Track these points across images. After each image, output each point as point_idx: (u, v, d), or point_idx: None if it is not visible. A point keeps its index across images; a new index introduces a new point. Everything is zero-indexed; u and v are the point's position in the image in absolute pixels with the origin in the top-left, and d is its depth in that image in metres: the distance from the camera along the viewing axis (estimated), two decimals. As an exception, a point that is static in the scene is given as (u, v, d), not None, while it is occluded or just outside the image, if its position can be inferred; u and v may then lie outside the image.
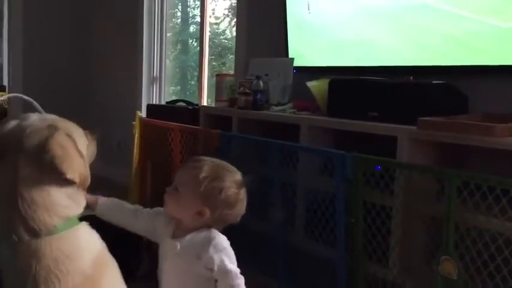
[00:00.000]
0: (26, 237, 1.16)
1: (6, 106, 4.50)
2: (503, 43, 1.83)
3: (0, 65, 5.52)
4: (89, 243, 1.23)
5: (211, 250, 1.32)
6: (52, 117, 1.28)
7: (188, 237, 1.35)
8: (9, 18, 4.81)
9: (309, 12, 2.56)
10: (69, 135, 1.21)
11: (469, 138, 1.55)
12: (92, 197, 1.41)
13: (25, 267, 1.15)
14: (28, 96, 3.46)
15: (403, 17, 2.16)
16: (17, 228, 1.16)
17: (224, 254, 1.33)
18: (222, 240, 1.35)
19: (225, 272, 1.31)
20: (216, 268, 1.31)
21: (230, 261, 1.33)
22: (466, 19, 1.93)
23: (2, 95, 4.37)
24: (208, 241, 1.33)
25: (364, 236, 1.73)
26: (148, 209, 1.48)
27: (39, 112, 3.39)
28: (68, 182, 1.19)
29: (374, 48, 2.29)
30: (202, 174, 1.35)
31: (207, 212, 1.34)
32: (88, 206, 1.41)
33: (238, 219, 1.41)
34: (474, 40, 1.92)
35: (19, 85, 4.54)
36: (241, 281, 1.32)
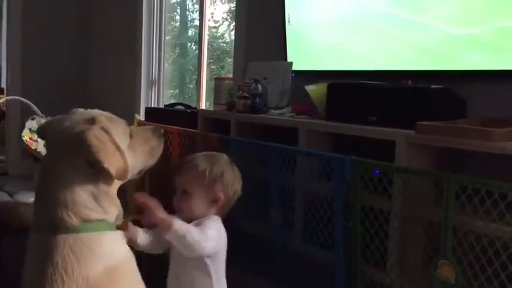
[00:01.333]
0: (45, 230, 1.17)
1: (4, 109, 4.49)
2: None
3: (-1, 67, 5.52)
4: (108, 251, 1.20)
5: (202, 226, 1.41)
6: (95, 112, 1.28)
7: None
8: (8, 21, 4.81)
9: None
10: (105, 129, 1.20)
11: (467, 143, 1.55)
12: (133, 232, 1.42)
13: (38, 260, 1.17)
14: (26, 98, 3.47)
15: (401, 20, 2.17)
16: (41, 218, 1.19)
17: (203, 226, 1.41)
18: (209, 223, 1.43)
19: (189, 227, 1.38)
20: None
21: (202, 231, 1.39)
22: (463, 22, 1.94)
23: (0, 98, 4.37)
24: (201, 224, 1.43)
25: (362, 240, 1.73)
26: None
27: (38, 115, 3.40)
28: (103, 175, 1.18)
29: (371, 53, 2.29)
30: (201, 167, 1.48)
31: (221, 195, 1.47)
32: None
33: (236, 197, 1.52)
34: (469, 45, 1.93)
35: (18, 88, 4.54)
36: (206, 243, 1.37)
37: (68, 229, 1.17)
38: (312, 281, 1.93)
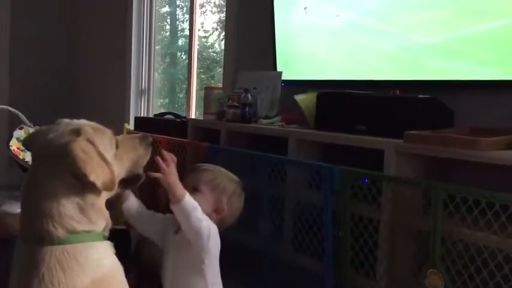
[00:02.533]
0: (31, 241, 1.16)
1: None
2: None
3: (-13, 76, 5.46)
4: (95, 262, 1.19)
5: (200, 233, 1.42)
6: (81, 122, 1.26)
7: None
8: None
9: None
10: (90, 141, 1.18)
11: (454, 152, 1.56)
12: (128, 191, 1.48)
13: (24, 271, 1.15)
14: (15, 108, 3.43)
15: (389, 31, 2.19)
16: (25, 231, 1.18)
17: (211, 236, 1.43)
18: (208, 227, 1.43)
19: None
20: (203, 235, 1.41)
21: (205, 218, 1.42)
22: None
23: (-13, 107, 4.32)
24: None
25: (352, 249, 1.73)
26: (160, 214, 1.59)
27: (26, 124, 3.36)
28: (89, 187, 1.16)
29: (361, 62, 2.31)
30: (220, 177, 1.54)
31: (225, 208, 1.50)
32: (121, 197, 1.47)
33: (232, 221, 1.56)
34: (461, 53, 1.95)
35: (5, 97, 4.50)
36: (206, 226, 1.40)
37: (54, 241, 1.15)
38: (301, 290, 1.93)
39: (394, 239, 1.67)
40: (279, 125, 2.33)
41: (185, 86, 3.92)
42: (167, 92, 4.39)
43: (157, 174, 1.40)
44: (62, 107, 4.58)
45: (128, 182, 1.37)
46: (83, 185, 1.16)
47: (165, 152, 1.42)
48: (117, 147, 1.28)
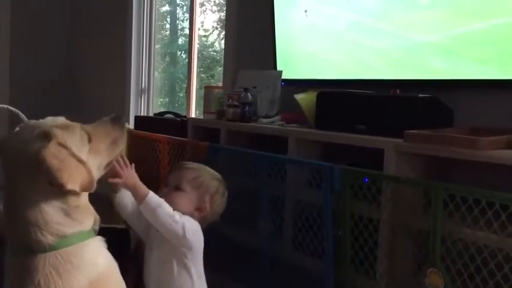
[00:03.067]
0: (22, 254, 1.14)
1: (-8, 117, 4.44)
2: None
3: (-13, 75, 5.47)
4: (90, 262, 1.17)
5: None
6: (47, 123, 1.21)
7: None
8: (-4, 29, 4.78)
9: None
10: (62, 144, 1.14)
11: (454, 151, 1.56)
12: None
13: (19, 283, 1.13)
14: (15, 107, 3.44)
15: (389, 30, 2.19)
16: (14, 244, 1.15)
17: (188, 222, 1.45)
18: (186, 220, 1.45)
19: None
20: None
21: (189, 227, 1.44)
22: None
23: (-13, 106, 4.32)
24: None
25: (352, 248, 1.73)
26: None
27: (25, 123, 3.36)
28: (68, 193, 1.14)
29: (361, 62, 2.31)
30: (203, 176, 1.54)
31: (207, 207, 1.51)
32: (112, 186, 1.47)
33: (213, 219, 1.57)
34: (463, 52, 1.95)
35: (6, 96, 4.50)
36: (179, 219, 1.42)
37: (45, 249, 1.13)
38: (301, 290, 1.93)
39: (394, 239, 1.67)
40: (279, 124, 2.33)
41: (185, 85, 3.92)
42: (167, 91, 4.39)
43: (116, 180, 1.40)
44: (62, 106, 4.58)
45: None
46: (61, 191, 1.13)
47: (121, 158, 1.39)
48: (90, 140, 1.23)
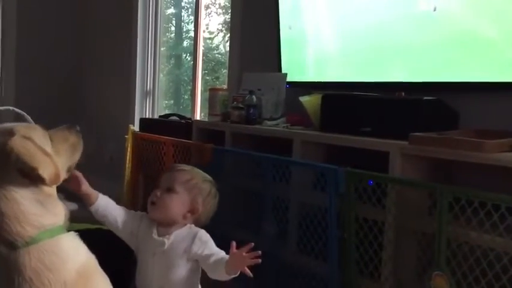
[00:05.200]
0: (4, 250, 1.14)
1: (-3, 119, 4.47)
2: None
3: (-7, 77, 5.50)
4: (72, 254, 1.20)
5: (197, 243, 1.46)
6: (10, 124, 1.24)
7: (174, 234, 1.48)
8: (2, 32, 4.81)
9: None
10: (27, 137, 1.18)
11: (459, 154, 1.56)
12: (93, 190, 1.50)
13: (9, 281, 1.13)
14: (20, 109, 3.45)
15: (394, 31, 2.19)
16: None
17: (209, 244, 1.47)
18: (205, 233, 1.49)
19: (216, 252, 1.45)
20: (204, 255, 1.44)
21: (215, 248, 1.47)
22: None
23: (-6, 108, 4.35)
24: (194, 235, 1.47)
25: (357, 251, 1.73)
26: (133, 211, 1.59)
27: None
28: (37, 182, 1.16)
29: (366, 64, 2.31)
30: (196, 178, 1.53)
31: (200, 209, 1.50)
32: (85, 199, 1.49)
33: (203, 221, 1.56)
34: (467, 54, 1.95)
35: (11, 98, 4.53)
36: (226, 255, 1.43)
37: (27, 242, 1.14)
38: (306, 292, 1.92)
39: (398, 241, 1.67)
40: (284, 127, 2.33)
41: (190, 88, 3.93)
42: (172, 93, 4.40)
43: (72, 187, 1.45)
44: (67, 108, 4.60)
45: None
46: (31, 181, 1.16)
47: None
48: (51, 140, 1.28)
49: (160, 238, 1.48)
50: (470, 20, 1.92)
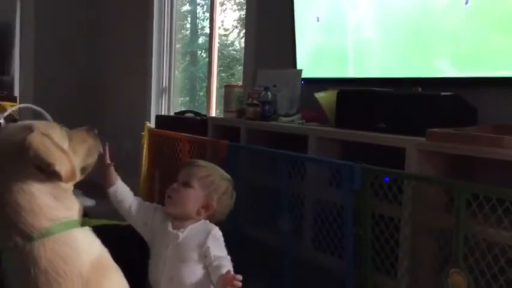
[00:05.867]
0: (20, 241, 1.17)
1: (17, 117, 4.54)
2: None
3: (12, 76, 5.59)
4: (86, 246, 1.22)
5: (210, 239, 1.46)
6: (30, 121, 1.28)
7: (188, 228, 1.49)
8: (20, 29, 4.88)
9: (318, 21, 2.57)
10: (45, 134, 1.21)
11: (478, 150, 1.54)
12: (115, 173, 1.56)
13: (24, 272, 1.16)
14: (38, 106, 3.50)
15: (411, 28, 2.16)
16: (11, 233, 1.18)
17: (219, 243, 1.48)
18: (218, 231, 1.50)
19: (220, 257, 1.45)
20: (212, 256, 1.44)
21: (223, 251, 1.48)
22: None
23: (13, 106, 4.42)
24: (208, 231, 1.48)
25: (372, 248, 1.72)
26: (147, 202, 1.62)
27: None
28: (54, 178, 1.19)
29: (381, 59, 2.29)
30: (213, 175, 1.55)
31: (214, 206, 1.51)
32: (106, 179, 1.54)
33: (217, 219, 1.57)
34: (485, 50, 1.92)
35: (30, 96, 4.59)
36: (230, 264, 1.43)
37: (42, 234, 1.17)
38: (321, 289, 1.92)
39: (415, 238, 1.66)
40: (299, 123, 2.33)
41: (205, 84, 3.94)
42: (188, 90, 4.42)
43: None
44: (84, 105, 4.65)
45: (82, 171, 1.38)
46: (47, 176, 1.19)
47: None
48: (69, 139, 1.31)
49: (175, 231, 1.49)
50: (486, 13, 1.89)
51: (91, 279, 1.19)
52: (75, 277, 1.16)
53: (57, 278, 1.15)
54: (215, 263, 1.43)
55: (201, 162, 1.61)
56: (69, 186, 1.26)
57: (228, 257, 1.46)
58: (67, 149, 1.26)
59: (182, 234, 1.48)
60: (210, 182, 1.53)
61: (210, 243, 1.46)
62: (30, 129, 1.21)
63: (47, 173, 1.18)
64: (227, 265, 1.42)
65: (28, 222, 1.17)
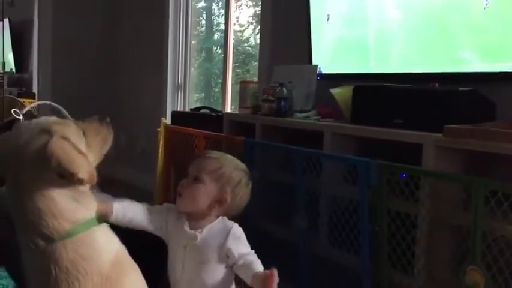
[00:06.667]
0: (41, 243, 1.19)
1: (35, 113, 4.60)
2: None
3: (30, 72, 5.67)
4: (106, 245, 1.24)
5: (230, 239, 1.41)
6: (44, 121, 1.26)
7: (206, 227, 1.44)
8: (39, 27, 4.94)
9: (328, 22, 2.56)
10: (65, 137, 1.20)
11: (497, 146, 1.52)
12: (103, 206, 1.38)
13: (45, 272, 1.18)
14: (56, 103, 3.55)
15: (428, 22, 2.14)
16: (32, 235, 1.20)
17: (241, 240, 1.43)
18: (237, 228, 1.45)
19: (246, 254, 1.41)
20: (236, 255, 1.39)
21: (247, 247, 1.43)
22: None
23: (31, 103, 4.48)
24: (227, 230, 1.43)
25: (389, 245, 1.71)
26: (157, 206, 1.54)
27: (68, 119, 3.48)
28: (75, 183, 1.19)
29: (398, 54, 2.27)
30: (225, 167, 1.46)
31: (228, 199, 1.43)
32: (103, 214, 1.40)
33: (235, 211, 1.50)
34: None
35: (48, 92, 4.66)
36: (257, 259, 1.39)
37: (63, 236, 1.19)
38: (337, 286, 1.92)
39: (432, 235, 1.64)
40: (315, 119, 2.32)
41: (221, 81, 3.95)
42: (203, 86, 4.43)
43: None
44: (101, 101, 4.70)
45: None
46: (68, 181, 1.19)
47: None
48: (84, 135, 1.30)
49: (192, 231, 1.43)
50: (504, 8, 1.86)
51: (111, 276, 1.21)
52: (95, 275, 1.19)
53: (78, 276, 1.17)
54: (241, 262, 1.39)
55: (213, 153, 1.52)
56: (87, 187, 1.28)
57: (253, 252, 1.42)
58: (84, 148, 1.26)
59: (200, 235, 1.42)
60: (222, 174, 1.44)
61: (230, 243, 1.40)
62: (49, 134, 1.19)
63: (70, 180, 1.19)
64: (255, 261, 1.37)
65: (49, 225, 1.19)
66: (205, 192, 1.43)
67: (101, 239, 1.24)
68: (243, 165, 1.51)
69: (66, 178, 1.18)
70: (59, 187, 1.20)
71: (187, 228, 1.45)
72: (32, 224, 1.19)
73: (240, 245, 1.42)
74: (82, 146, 1.27)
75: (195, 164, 1.48)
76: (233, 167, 1.48)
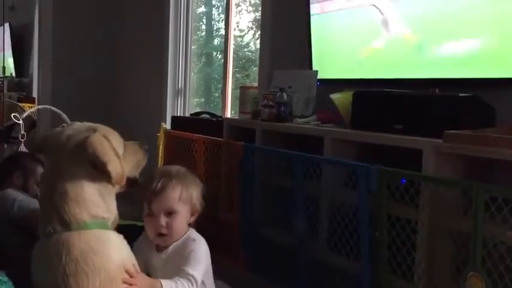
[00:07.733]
0: (58, 228, 1.25)
1: (35, 118, 4.60)
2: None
3: (30, 77, 5.67)
4: (117, 248, 1.30)
5: (190, 259, 1.44)
6: (94, 124, 1.39)
7: (171, 247, 1.49)
8: (39, 31, 4.95)
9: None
10: (106, 137, 1.32)
11: (497, 152, 1.52)
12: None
13: (56, 258, 1.23)
14: (56, 107, 3.55)
15: (429, 29, 2.15)
16: (52, 219, 1.26)
17: (196, 262, 1.44)
18: (199, 248, 1.47)
19: (184, 276, 1.41)
20: (182, 270, 1.42)
21: (196, 269, 1.43)
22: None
23: (31, 107, 4.48)
24: (189, 251, 1.45)
25: (389, 250, 1.71)
26: (135, 245, 1.52)
27: (67, 123, 3.49)
28: (104, 177, 1.28)
29: (398, 60, 2.27)
30: (183, 185, 1.49)
31: (199, 208, 1.51)
32: None
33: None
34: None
35: (48, 97, 4.66)
36: (196, 283, 1.41)
37: (80, 226, 1.26)
38: (337, 291, 1.91)
39: (432, 241, 1.64)
40: (315, 124, 2.32)
41: (221, 86, 3.95)
42: (203, 91, 4.43)
43: None
44: (101, 106, 4.70)
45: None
46: (99, 174, 1.28)
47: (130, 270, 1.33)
48: (124, 148, 1.40)
49: (159, 253, 1.51)
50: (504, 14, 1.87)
51: (117, 279, 1.25)
52: (103, 271, 1.23)
53: (86, 268, 1.21)
54: (176, 277, 1.40)
55: (165, 183, 1.48)
56: (115, 189, 1.34)
57: (192, 279, 1.41)
58: (121, 155, 1.35)
59: (165, 256, 1.49)
60: (189, 196, 1.49)
61: (188, 262, 1.43)
62: (94, 130, 1.32)
63: (100, 171, 1.27)
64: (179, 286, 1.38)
65: (70, 211, 1.26)
66: (183, 219, 1.49)
67: (114, 241, 1.30)
68: (194, 175, 1.57)
69: (98, 169, 1.27)
70: (90, 179, 1.28)
71: (154, 251, 1.52)
72: (54, 206, 1.26)
73: (193, 264, 1.43)
74: (119, 152, 1.35)
75: (159, 199, 1.47)
76: (190, 179, 1.53)
